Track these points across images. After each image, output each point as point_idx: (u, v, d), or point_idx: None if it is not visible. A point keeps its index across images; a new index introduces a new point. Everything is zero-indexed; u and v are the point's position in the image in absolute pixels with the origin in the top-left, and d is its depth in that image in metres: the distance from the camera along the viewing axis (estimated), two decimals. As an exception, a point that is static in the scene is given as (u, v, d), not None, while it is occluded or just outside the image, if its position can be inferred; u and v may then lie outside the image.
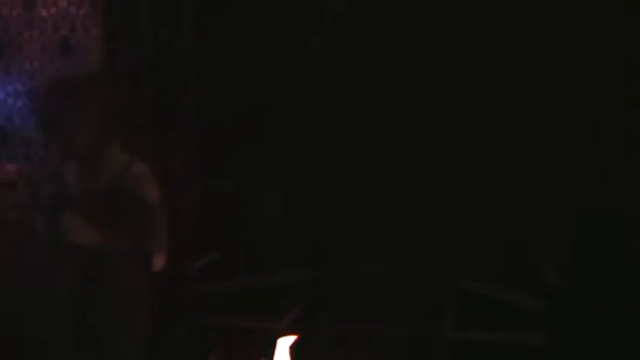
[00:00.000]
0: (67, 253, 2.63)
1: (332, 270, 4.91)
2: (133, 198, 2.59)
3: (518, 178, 4.78)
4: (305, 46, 5.06)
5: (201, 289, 4.58)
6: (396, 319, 4.62)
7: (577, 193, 4.67)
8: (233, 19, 5.24)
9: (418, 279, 4.79)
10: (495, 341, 4.25)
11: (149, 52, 5.26)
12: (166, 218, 2.69)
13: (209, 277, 4.68)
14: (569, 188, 4.69)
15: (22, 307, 3.79)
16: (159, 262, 2.64)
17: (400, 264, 4.87)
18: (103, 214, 2.58)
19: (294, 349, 2.49)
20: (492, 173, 4.82)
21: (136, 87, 5.25)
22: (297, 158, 5.11)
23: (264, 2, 5.18)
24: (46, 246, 2.68)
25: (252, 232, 5.05)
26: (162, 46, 5.26)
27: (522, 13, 4.72)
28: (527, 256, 4.69)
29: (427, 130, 4.90)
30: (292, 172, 5.10)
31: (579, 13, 4.63)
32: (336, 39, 5.03)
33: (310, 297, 4.72)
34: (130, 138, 4.42)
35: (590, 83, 4.65)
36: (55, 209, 2.63)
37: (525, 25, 4.72)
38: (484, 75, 4.80)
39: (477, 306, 4.43)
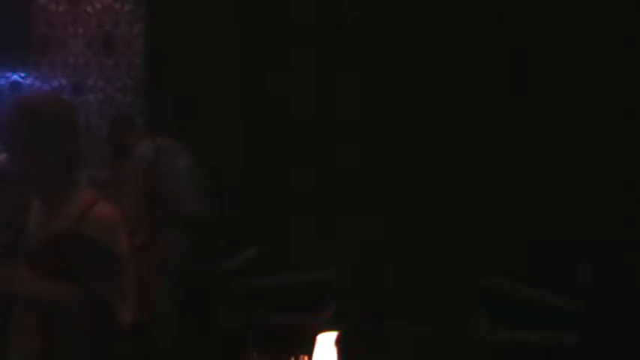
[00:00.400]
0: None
1: (366, 268, 4.95)
2: (91, 243, 2.24)
3: (554, 178, 4.78)
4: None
5: (241, 286, 4.65)
6: (430, 319, 4.65)
7: (611, 192, 4.66)
8: None
9: (451, 278, 4.81)
10: (529, 341, 4.27)
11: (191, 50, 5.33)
12: (132, 269, 2.32)
13: (249, 273, 4.75)
14: (603, 187, 4.68)
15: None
16: (124, 317, 2.27)
17: (435, 263, 4.89)
18: (55, 260, 2.25)
19: (339, 345, 2.53)
20: (528, 172, 4.82)
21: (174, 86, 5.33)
22: (333, 156, 5.15)
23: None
24: None
25: (291, 229, 5.11)
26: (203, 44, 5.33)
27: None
28: (562, 256, 4.69)
29: (460, 133, 4.92)
30: (329, 168, 5.14)
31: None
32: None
33: (346, 294, 4.77)
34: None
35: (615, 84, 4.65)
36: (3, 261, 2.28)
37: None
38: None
39: (511, 306, 4.44)
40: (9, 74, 5.81)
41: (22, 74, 5.80)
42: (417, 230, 4.97)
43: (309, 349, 2.68)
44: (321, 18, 5.18)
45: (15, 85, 5.82)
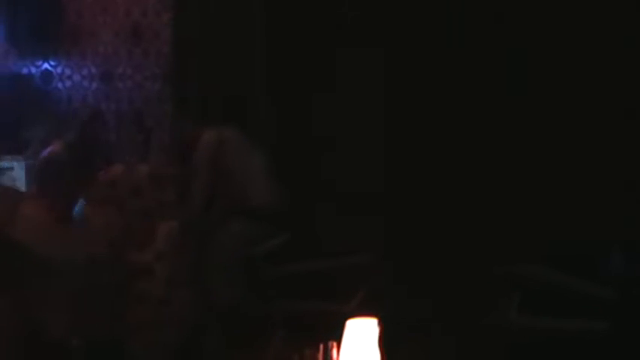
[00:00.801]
0: None
1: (396, 254, 4.94)
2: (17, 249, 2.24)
3: (586, 164, 4.73)
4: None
5: (270, 272, 4.67)
6: (459, 305, 4.64)
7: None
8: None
9: (481, 265, 4.78)
10: (560, 329, 4.24)
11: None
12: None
13: (278, 259, 4.76)
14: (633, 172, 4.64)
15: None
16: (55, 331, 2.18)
17: (462, 250, 4.87)
18: None
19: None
20: (559, 158, 4.78)
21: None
22: (361, 144, 5.15)
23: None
24: None
25: (321, 214, 5.12)
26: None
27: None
28: (595, 242, 4.65)
29: (487, 127, 4.89)
30: (359, 156, 5.14)
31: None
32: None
33: (376, 280, 4.77)
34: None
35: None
36: None
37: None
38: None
39: (542, 293, 4.41)
40: (40, 63, 5.87)
41: (53, 63, 5.85)
42: (445, 217, 4.96)
43: (338, 336, 2.68)
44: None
45: (46, 73, 5.88)
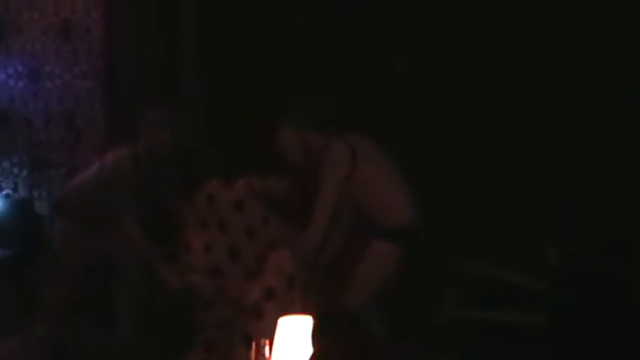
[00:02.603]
0: None
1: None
2: None
3: (521, 161, 4.77)
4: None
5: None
6: (399, 301, 4.62)
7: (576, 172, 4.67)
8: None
9: (422, 261, 4.78)
10: (498, 321, 4.26)
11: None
12: None
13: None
14: (569, 168, 4.69)
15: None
16: None
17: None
18: None
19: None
20: (494, 156, 4.80)
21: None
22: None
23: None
24: None
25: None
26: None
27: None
28: (530, 235, 4.69)
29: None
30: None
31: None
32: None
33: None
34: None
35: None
36: None
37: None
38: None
39: (479, 287, 4.43)
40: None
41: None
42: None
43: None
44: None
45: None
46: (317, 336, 2.43)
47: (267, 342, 2.61)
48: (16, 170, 5.68)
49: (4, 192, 5.66)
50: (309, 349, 2.45)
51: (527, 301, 4.25)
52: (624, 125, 4.60)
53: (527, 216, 4.72)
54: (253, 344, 2.62)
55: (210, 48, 5.23)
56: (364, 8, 4.98)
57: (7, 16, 5.60)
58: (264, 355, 2.59)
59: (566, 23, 4.68)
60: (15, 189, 5.68)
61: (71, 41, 5.57)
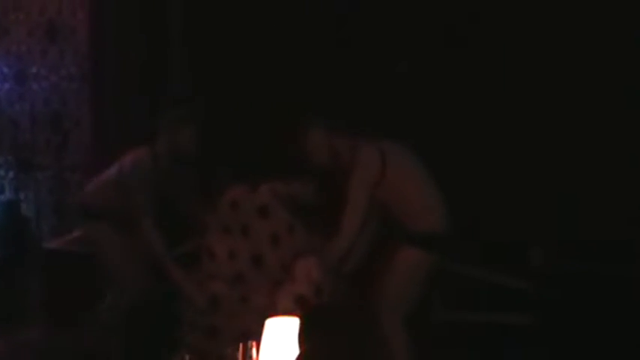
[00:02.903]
0: None
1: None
2: None
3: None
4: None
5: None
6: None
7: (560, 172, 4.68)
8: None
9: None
10: (482, 322, 4.28)
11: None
12: None
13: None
14: (553, 167, 4.70)
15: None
16: None
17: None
18: None
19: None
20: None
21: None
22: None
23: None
24: None
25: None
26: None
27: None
28: (514, 235, 4.70)
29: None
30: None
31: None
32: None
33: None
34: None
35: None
36: None
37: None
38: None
39: (463, 288, 4.44)
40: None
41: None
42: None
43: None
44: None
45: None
46: (304, 337, 2.44)
47: (254, 343, 2.62)
48: (2, 172, 5.67)
49: (-10, 194, 5.67)
50: (295, 350, 2.46)
51: (514, 302, 4.27)
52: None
53: (514, 216, 4.74)
54: (240, 346, 2.63)
55: (199, 48, 5.23)
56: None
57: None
58: (251, 356, 2.60)
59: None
60: (1, 191, 5.66)
61: (57, 42, 5.56)
